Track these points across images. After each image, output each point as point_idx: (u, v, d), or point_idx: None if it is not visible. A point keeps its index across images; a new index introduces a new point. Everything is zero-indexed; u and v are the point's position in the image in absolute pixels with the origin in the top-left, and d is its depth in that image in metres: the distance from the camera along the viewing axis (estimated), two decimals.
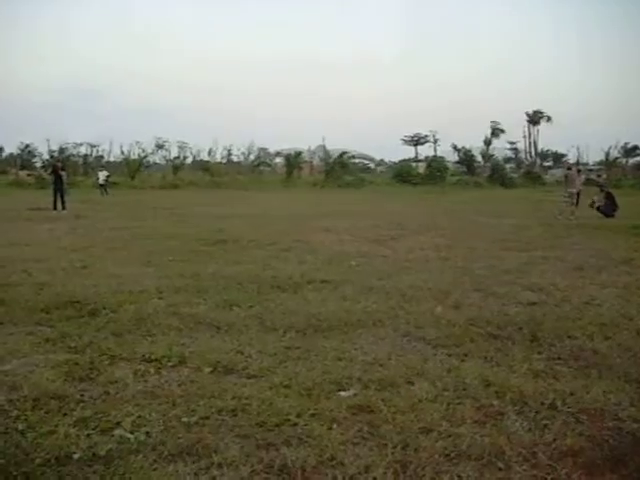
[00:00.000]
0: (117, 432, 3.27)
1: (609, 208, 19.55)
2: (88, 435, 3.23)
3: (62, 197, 21.07)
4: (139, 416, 3.47)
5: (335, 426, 3.35)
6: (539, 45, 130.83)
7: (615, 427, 3.39)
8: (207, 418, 3.45)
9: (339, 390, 3.89)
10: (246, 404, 3.62)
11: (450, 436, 3.25)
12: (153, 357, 4.47)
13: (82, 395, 3.78)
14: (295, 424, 3.37)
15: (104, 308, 5.92)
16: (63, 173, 22.12)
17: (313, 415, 3.48)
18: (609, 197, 20.16)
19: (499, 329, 5.34)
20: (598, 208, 19.75)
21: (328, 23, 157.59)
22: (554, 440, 3.22)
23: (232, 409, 3.56)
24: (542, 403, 3.71)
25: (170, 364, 4.35)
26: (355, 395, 3.80)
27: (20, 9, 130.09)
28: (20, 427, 3.31)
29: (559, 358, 4.60)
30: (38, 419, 3.42)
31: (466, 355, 4.64)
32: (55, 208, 20.54)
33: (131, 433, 3.25)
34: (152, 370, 4.24)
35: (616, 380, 4.09)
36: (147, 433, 3.26)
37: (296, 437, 3.22)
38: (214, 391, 3.82)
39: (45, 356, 4.53)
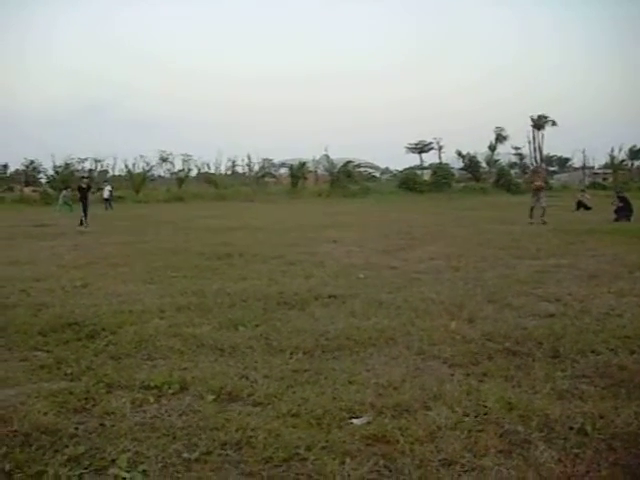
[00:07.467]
0: (112, 471, 3.02)
1: (623, 212, 19.35)
2: (80, 475, 2.98)
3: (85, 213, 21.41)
4: (136, 452, 3.21)
5: (348, 460, 3.08)
6: (542, 48, 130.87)
7: None
8: (209, 453, 3.19)
9: (351, 418, 3.61)
10: (251, 436, 3.35)
11: (474, 469, 2.99)
12: (153, 384, 4.19)
13: (76, 429, 3.52)
14: (305, 459, 3.10)
15: (103, 330, 5.67)
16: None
17: (324, 448, 3.20)
18: (623, 201, 19.96)
19: (518, 344, 5.06)
20: (616, 212, 19.52)
21: (329, 33, 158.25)
22: (587, 472, 2.94)
23: (236, 442, 3.29)
24: (570, 428, 3.42)
25: (171, 391, 4.08)
26: (369, 423, 3.52)
27: (23, 27, 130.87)
28: (7, 467, 3.05)
29: (584, 376, 4.32)
30: (27, 458, 3.15)
31: (485, 375, 4.36)
32: (81, 224, 20.73)
33: (127, 472, 3.00)
34: (151, 399, 3.97)
35: None
36: (144, 472, 3.00)
37: (306, 474, 2.96)
38: (217, 422, 3.55)
39: (39, 385, 4.27)
